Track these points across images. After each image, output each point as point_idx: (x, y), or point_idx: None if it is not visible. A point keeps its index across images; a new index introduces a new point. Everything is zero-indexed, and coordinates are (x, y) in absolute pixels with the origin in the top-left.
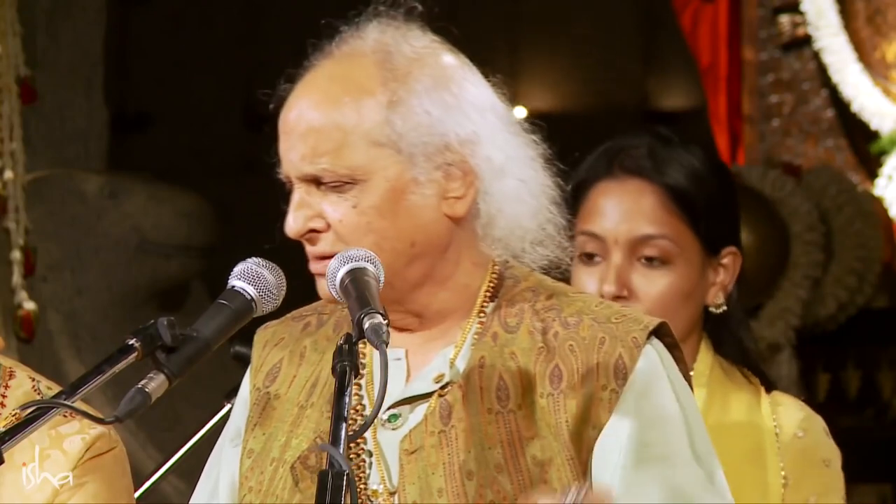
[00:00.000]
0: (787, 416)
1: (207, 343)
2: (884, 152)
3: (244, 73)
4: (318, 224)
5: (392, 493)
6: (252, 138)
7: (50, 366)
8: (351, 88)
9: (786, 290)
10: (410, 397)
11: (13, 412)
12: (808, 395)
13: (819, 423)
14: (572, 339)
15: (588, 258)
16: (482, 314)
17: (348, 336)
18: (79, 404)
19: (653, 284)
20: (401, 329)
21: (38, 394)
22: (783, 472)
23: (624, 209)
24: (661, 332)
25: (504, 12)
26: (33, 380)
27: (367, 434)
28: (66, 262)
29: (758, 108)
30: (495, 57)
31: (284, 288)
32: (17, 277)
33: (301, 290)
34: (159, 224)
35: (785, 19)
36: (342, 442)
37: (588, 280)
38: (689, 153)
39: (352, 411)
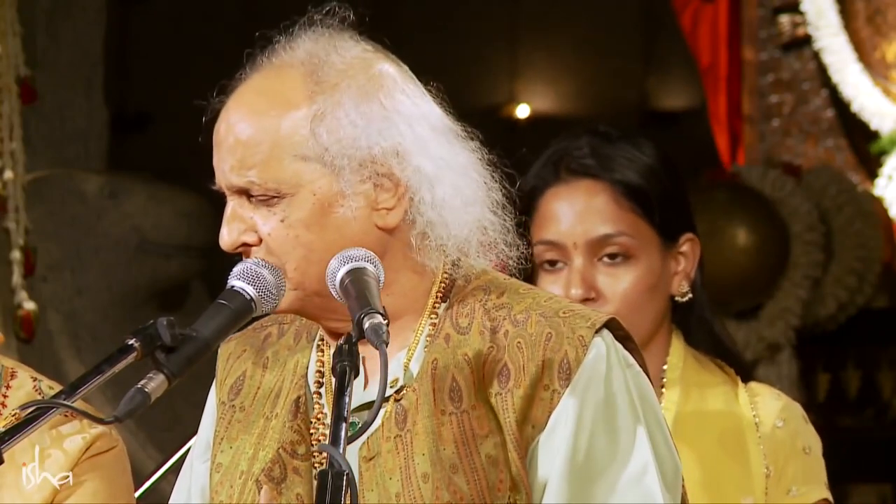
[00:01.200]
0: (766, 407)
1: (207, 343)
2: (884, 152)
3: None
4: (250, 238)
5: None
6: None
7: (50, 366)
8: (277, 102)
9: (786, 290)
10: (367, 403)
11: (13, 412)
12: (808, 395)
13: (797, 410)
14: (520, 337)
15: (550, 265)
16: (434, 315)
17: (348, 336)
18: (79, 404)
19: (618, 282)
20: (290, 311)
21: (40, 394)
22: (765, 463)
23: (577, 211)
24: (610, 327)
25: (504, 12)
26: (35, 380)
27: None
28: (66, 262)
29: (758, 108)
30: (495, 57)
31: (284, 288)
32: (17, 277)
33: None
34: (159, 224)
35: (785, 19)
36: (342, 442)
37: (553, 287)
38: (633, 146)
39: (314, 419)
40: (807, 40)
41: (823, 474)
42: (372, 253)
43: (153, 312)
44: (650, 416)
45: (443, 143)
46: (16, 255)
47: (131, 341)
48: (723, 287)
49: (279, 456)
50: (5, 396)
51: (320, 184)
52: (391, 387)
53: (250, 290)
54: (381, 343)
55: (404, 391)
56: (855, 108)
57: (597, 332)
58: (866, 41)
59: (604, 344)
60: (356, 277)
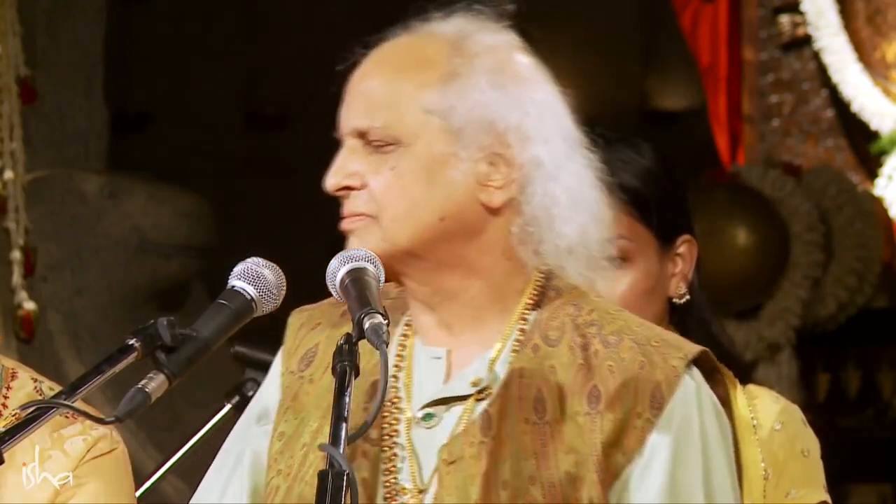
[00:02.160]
0: (764, 409)
1: (207, 343)
2: (884, 152)
3: (244, 73)
4: (354, 181)
5: (421, 492)
6: (252, 138)
7: (50, 366)
8: (416, 57)
9: (786, 290)
10: (447, 398)
11: (13, 412)
12: (808, 396)
13: (796, 413)
14: (612, 360)
15: None
16: (523, 321)
17: (348, 336)
18: (79, 404)
19: (616, 285)
20: (442, 328)
21: (41, 395)
22: (763, 466)
23: None
24: (700, 360)
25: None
26: (35, 381)
27: (401, 429)
28: (66, 262)
29: (758, 108)
30: None
31: (284, 288)
32: (17, 277)
33: (300, 289)
34: (159, 224)
35: (785, 19)
36: (342, 442)
37: None
38: (631, 149)
39: (388, 402)
40: (807, 40)
41: (822, 477)
42: (372, 253)
43: (153, 312)
44: (731, 460)
45: (566, 144)
46: (16, 255)
47: (131, 341)
48: (723, 287)
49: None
50: (6, 398)
51: (439, 140)
52: (474, 385)
53: (251, 290)
54: (381, 343)
55: (486, 393)
56: (855, 108)
57: (688, 364)
58: (866, 41)
59: (693, 380)
60: (356, 277)
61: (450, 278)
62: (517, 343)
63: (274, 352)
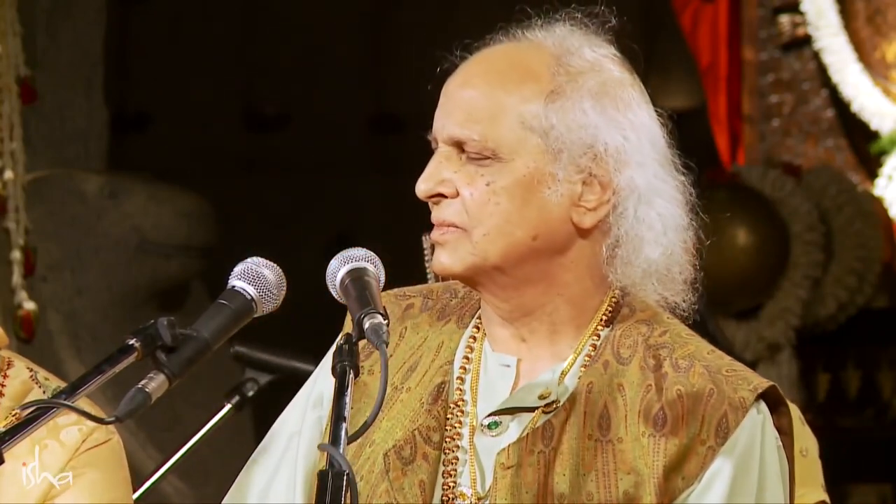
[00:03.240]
0: None
1: (207, 343)
2: (884, 152)
3: (244, 73)
4: (446, 189)
5: (480, 499)
6: (252, 138)
7: (50, 366)
8: (519, 70)
9: (786, 290)
10: (513, 408)
11: (13, 412)
12: (808, 396)
13: (793, 412)
14: (681, 384)
15: None
16: (596, 336)
17: (348, 336)
18: (79, 404)
19: None
20: (516, 339)
21: (36, 383)
22: None
23: None
24: (768, 394)
25: (504, 12)
26: (31, 370)
27: (465, 433)
28: (66, 262)
29: (758, 108)
30: None
31: (284, 287)
32: (17, 277)
33: (301, 288)
34: (159, 224)
35: (785, 19)
36: (342, 442)
37: None
38: None
39: (452, 405)
40: (807, 40)
41: (820, 476)
42: (372, 253)
43: (153, 312)
44: (787, 495)
45: (661, 166)
46: (16, 255)
47: (132, 341)
48: (723, 287)
49: (413, 437)
50: (3, 385)
51: (536, 159)
52: (543, 398)
53: (251, 290)
54: (381, 343)
55: (554, 406)
56: (855, 108)
57: (757, 397)
58: (866, 41)
59: (761, 414)
60: (356, 277)
61: (531, 295)
62: (588, 358)
63: (274, 352)
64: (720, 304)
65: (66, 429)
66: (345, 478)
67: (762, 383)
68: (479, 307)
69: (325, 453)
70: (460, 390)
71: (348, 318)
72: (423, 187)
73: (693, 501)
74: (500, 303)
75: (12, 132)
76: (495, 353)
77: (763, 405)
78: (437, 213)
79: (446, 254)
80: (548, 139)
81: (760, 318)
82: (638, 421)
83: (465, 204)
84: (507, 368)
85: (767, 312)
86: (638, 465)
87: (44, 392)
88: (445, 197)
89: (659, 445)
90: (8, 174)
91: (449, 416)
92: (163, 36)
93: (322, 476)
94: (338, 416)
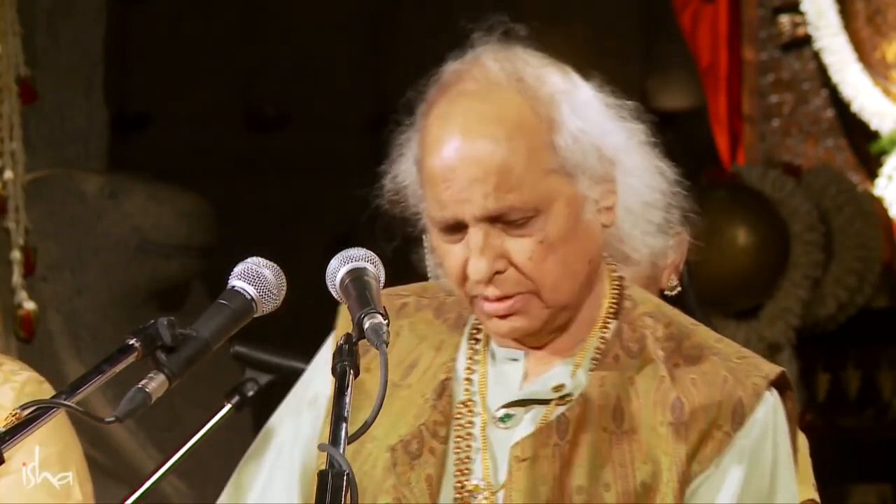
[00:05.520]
0: None
1: (207, 343)
2: (884, 152)
3: (244, 73)
4: (500, 265)
5: (495, 493)
6: (252, 138)
7: (50, 366)
8: (509, 124)
9: (786, 290)
10: (526, 400)
11: (13, 412)
12: (808, 395)
13: None
14: (694, 373)
15: None
16: (605, 329)
17: (348, 336)
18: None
19: None
20: (527, 334)
21: None
22: None
23: None
24: (778, 381)
25: (504, 12)
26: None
27: (476, 429)
28: (66, 262)
29: (758, 108)
30: None
31: (285, 288)
32: (17, 277)
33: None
34: (159, 224)
35: (785, 19)
36: (342, 442)
37: None
38: None
39: (460, 405)
40: (807, 40)
41: (810, 474)
42: (372, 253)
43: (153, 312)
44: (794, 478)
45: (639, 143)
46: (16, 255)
47: (132, 341)
48: (723, 287)
49: (419, 432)
50: None
51: (567, 193)
52: (556, 390)
53: (251, 290)
54: (381, 343)
55: (568, 399)
56: (855, 108)
57: (768, 385)
58: (866, 41)
59: (773, 399)
60: (356, 277)
61: (571, 311)
62: (598, 351)
63: (274, 352)
64: (720, 305)
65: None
66: (345, 478)
67: (773, 369)
68: None
69: (324, 453)
70: (468, 390)
71: (341, 315)
72: (483, 272)
73: (709, 486)
74: (541, 337)
75: (12, 132)
76: (501, 349)
77: (774, 391)
78: (497, 291)
79: (519, 319)
80: (566, 171)
81: (760, 318)
82: (654, 412)
83: (525, 270)
84: (516, 363)
85: (767, 312)
86: (656, 454)
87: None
88: (500, 272)
89: (680, 433)
90: (8, 174)
91: (458, 413)
92: (163, 36)
93: (322, 476)
94: (338, 416)
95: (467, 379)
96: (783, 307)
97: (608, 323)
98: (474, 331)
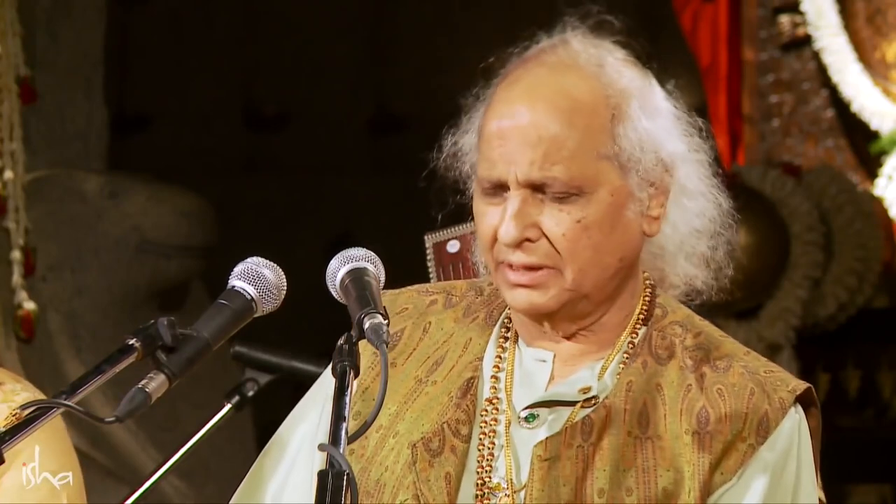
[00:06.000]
0: None
1: (208, 343)
2: (884, 152)
3: (244, 73)
4: (532, 234)
5: (516, 492)
6: (252, 138)
7: (50, 366)
8: (577, 101)
9: (786, 290)
10: (552, 401)
11: (13, 412)
12: None
13: None
14: (721, 384)
15: None
16: (634, 335)
17: (348, 336)
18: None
19: None
20: (554, 335)
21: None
22: None
23: None
24: (804, 397)
25: (503, 13)
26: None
27: (500, 428)
28: (66, 262)
29: (758, 108)
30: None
31: (285, 288)
32: (17, 277)
33: (301, 288)
34: (159, 224)
35: (785, 19)
36: (342, 442)
37: None
38: None
39: (486, 403)
40: (807, 40)
41: (816, 475)
42: (372, 253)
43: (153, 312)
44: (816, 493)
45: (699, 163)
46: (16, 255)
47: (132, 341)
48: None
49: (441, 430)
50: None
51: (616, 184)
52: (583, 392)
53: (251, 290)
54: (381, 343)
55: (594, 402)
56: (855, 108)
57: (794, 401)
58: (866, 41)
59: (798, 415)
60: (356, 277)
61: (601, 309)
62: (626, 356)
63: (274, 352)
64: (720, 305)
65: None
66: (345, 478)
67: (800, 385)
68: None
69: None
70: (495, 388)
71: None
72: (512, 235)
73: (731, 497)
74: (568, 324)
75: (12, 132)
76: (530, 349)
77: (799, 406)
78: (524, 258)
79: (538, 294)
80: (619, 162)
81: (760, 318)
82: (679, 420)
83: (557, 244)
84: (544, 364)
85: (767, 312)
86: (679, 462)
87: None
88: (531, 241)
89: (705, 443)
90: (8, 174)
91: (482, 411)
92: (163, 36)
93: (322, 476)
94: (338, 416)
95: (494, 377)
96: (783, 307)
97: (637, 328)
98: (504, 329)
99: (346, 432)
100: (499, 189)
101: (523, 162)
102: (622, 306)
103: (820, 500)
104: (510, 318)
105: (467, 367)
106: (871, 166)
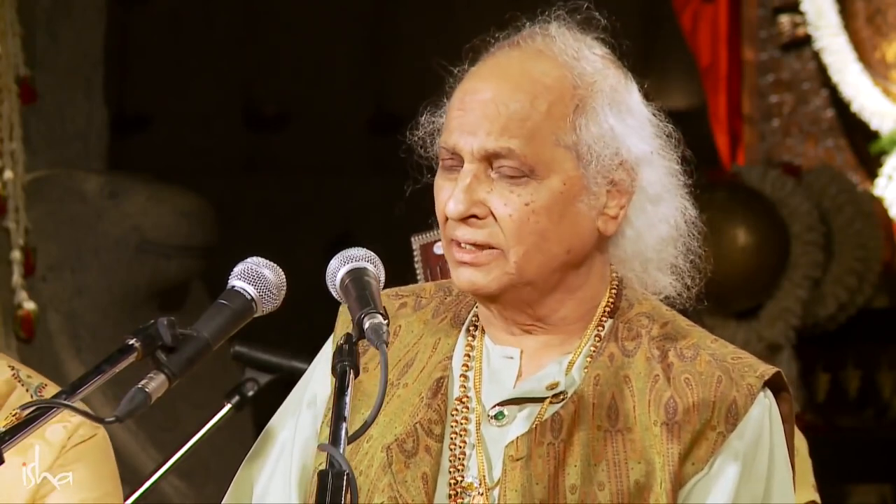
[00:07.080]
0: None
1: (208, 343)
2: (884, 152)
3: (244, 73)
4: (479, 210)
5: (490, 489)
6: (252, 138)
7: (50, 366)
8: (543, 85)
9: (786, 290)
10: (520, 398)
11: (13, 412)
12: (808, 395)
13: None
14: (688, 373)
15: None
16: (600, 328)
17: (348, 336)
18: (78, 404)
19: None
20: (520, 331)
21: (19, 381)
22: None
23: None
24: (774, 382)
25: (504, 12)
26: (12, 368)
27: (471, 427)
28: (66, 262)
29: (758, 108)
30: None
31: (284, 288)
32: (17, 277)
33: (301, 288)
34: (159, 224)
35: (785, 19)
36: (342, 442)
37: None
38: None
39: (456, 402)
40: (807, 40)
41: (810, 475)
42: (372, 253)
43: (153, 312)
44: (791, 478)
45: (665, 160)
46: (16, 255)
47: (132, 341)
48: (723, 287)
49: (415, 430)
50: None
51: (571, 174)
52: (551, 388)
53: (251, 290)
54: (381, 343)
55: (562, 398)
56: (855, 108)
57: (763, 385)
58: (866, 41)
59: (767, 400)
60: (356, 277)
61: (549, 301)
62: (593, 350)
63: (274, 352)
64: (720, 305)
65: (51, 427)
66: (345, 478)
67: (768, 370)
68: (475, 304)
69: (323, 453)
70: (464, 387)
71: (340, 316)
72: (458, 208)
73: (703, 487)
74: (516, 314)
75: (12, 132)
76: (497, 347)
77: (769, 391)
78: (469, 234)
79: (481, 274)
80: (579, 154)
81: (760, 318)
82: (648, 411)
83: (503, 225)
84: (511, 360)
85: (767, 312)
86: (649, 454)
87: (26, 390)
88: (478, 217)
89: (673, 433)
90: (8, 174)
91: (453, 410)
92: (163, 36)
93: (322, 476)
94: (338, 415)
95: (463, 376)
96: (783, 307)
97: (604, 321)
98: (471, 327)
99: (346, 432)
100: (453, 161)
101: (480, 132)
102: (583, 300)
103: (814, 502)
104: (478, 317)
105: (437, 367)
106: (871, 166)
